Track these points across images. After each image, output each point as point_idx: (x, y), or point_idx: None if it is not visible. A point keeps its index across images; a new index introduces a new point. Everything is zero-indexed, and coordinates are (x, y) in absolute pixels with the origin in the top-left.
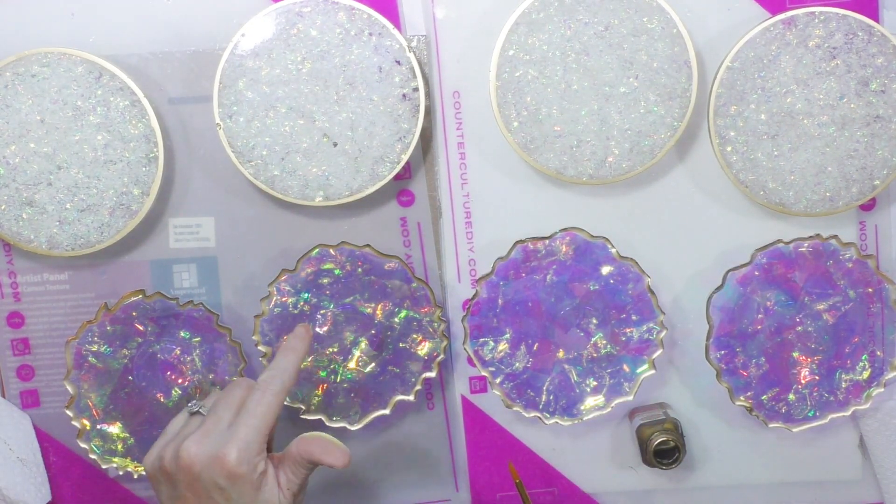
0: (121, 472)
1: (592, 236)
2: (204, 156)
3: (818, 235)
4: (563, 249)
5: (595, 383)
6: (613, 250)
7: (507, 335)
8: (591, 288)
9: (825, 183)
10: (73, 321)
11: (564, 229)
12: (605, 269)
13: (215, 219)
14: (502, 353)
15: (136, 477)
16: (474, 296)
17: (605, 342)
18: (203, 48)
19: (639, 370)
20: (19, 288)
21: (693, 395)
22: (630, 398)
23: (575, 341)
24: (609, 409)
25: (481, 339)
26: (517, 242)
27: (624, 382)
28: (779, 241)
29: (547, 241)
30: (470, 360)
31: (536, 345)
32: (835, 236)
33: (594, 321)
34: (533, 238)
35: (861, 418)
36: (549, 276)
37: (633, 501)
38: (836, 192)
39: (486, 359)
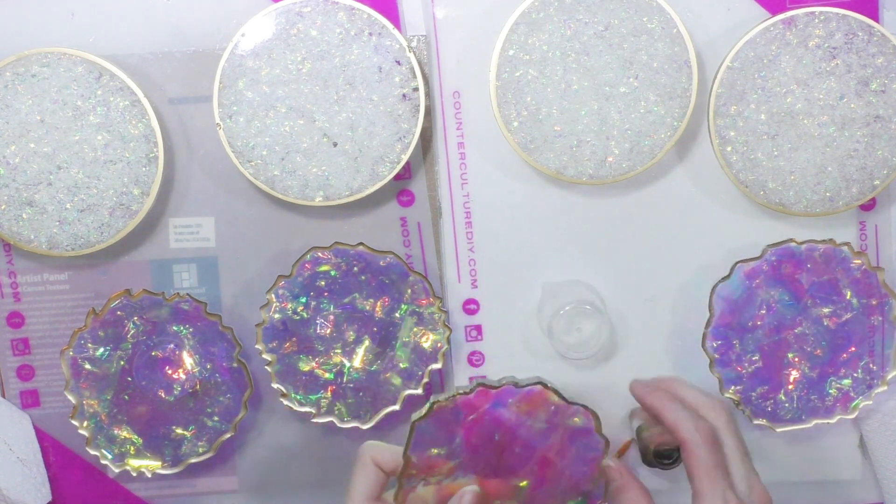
0: (134, 475)
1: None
2: (204, 156)
3: (831, 241)
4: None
5: None
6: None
7: None
8: None
9: (825, 183)
10: (73, 321)
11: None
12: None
13: (215, 219)
14: None
15: (149, 476)
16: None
17: None
18: (203, 48)
19: None
20: (19, 288)
21: None
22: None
23: None
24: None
25: None
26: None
27: None
28: (791, 240)
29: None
30: (470, 360)
31: None
32: (847, 243)
33: None
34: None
35: (861, 418)
36: None
37: None
38: (836, 192)
39: None
